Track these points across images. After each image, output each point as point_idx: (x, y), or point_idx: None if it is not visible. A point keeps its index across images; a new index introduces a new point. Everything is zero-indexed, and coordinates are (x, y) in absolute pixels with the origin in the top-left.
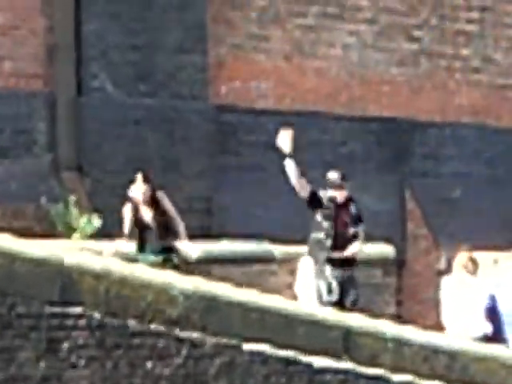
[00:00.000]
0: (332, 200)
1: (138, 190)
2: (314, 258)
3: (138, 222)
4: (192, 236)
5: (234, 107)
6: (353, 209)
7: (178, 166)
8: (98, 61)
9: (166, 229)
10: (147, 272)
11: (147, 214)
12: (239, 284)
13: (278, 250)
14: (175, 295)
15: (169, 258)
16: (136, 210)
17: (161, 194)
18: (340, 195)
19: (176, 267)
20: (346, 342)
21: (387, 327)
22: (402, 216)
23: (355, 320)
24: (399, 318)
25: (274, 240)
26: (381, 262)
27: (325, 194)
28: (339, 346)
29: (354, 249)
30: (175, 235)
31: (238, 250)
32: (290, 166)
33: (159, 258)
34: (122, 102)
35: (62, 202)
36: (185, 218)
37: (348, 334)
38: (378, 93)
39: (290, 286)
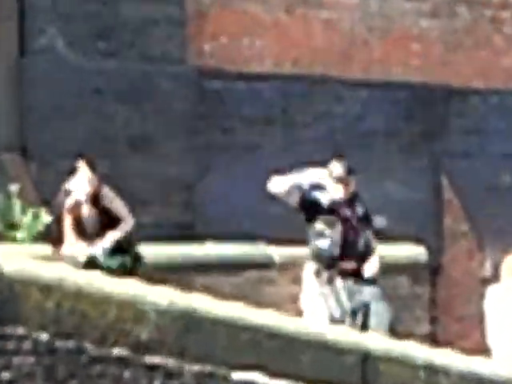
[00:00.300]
0: (334, 201)
1: (83, 180)
2: (317, 274)
3: (79, 222)
4: (168, 237)
5: (221, 71)
6: (359, 208)
7: (149, 147)
8: (45, 12)
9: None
10: (109, 282)
11: (91, 212)
12: (228, 297)
13: (278, 253)
14: (145, 311)
15: (123, 262)
16: (76, 208)
17: (105, 189)
18: (344, 193)
19: (130, 273)
20: (365, 370)
21: (417, 351)
22: (436, 209)
23: (376, 342)
24: (433, 339)
25: (274, 241)
26: (409, 268)
27: (323, 195)
28: (356, 376)
29: (374, 267)
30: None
31: (227, 254)
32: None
33: (113, 263)
34: (77, 66)
35: (0, 194)
36: (159, 212)
37: (367, 359)
38: (405, 52)
39: (293, 299)
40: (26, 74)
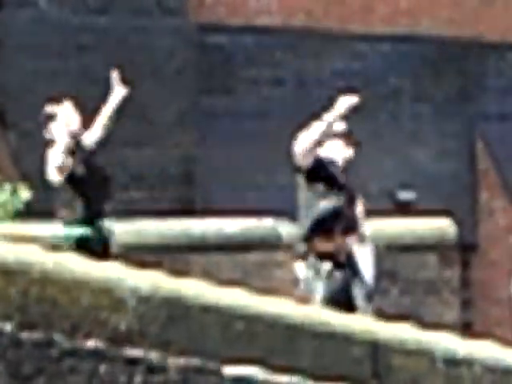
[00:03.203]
0: (333, 162)
1: (67, 122)
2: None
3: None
4: (163, 211)
5: (225, 26)
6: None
7: (143, 112)
8: None
9: (103, 187)
10: (82, 264)
11: (79, 163)
12: (228, 280)
13: (287, 230)
14: (124, 298)
15: (99, 232)
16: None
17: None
18: (345, 154)
19: (104, 251)
20: (375, 363)
21: (437, 340)
22: (470, 180)
23: (389, 331)
24: (465, 327)
25: (281, 216)
26: (436, 246)
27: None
28: (365, 369)
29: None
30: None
31: (230, 232)
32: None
33: (85, 233)
34: (61, 22)
35: None
36: (155, 185)
37: (377, 350)
38: (433, 2)
39: None
40: (2, 30)
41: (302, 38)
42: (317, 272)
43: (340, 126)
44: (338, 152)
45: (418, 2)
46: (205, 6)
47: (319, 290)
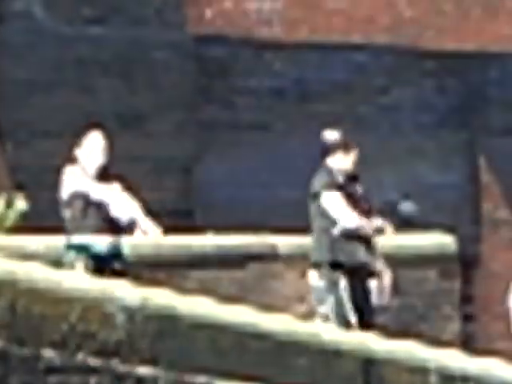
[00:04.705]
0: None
1: (97, 150)
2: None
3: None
4: (163, 226)
5: (224, 38)
6: (359, 188)
7: (142, 124)
8: None
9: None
10: (72, 278)
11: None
12: (225, 294)
13: (285, 243)
14: (113, 313)
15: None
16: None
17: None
18: (351, 163)
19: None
20: (367, 377)
21: (428, 353)
22: (473, 193)
23: (381, 344)
24: (467, 342)
25: (279, 230)
26: (437, 260)
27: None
28: (357, 383)
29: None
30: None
31: (227, 245)
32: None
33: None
34: (58, 33)
35: None
36: (153, 198)
37: (370, 364)
38: (436, 14)
39: (300, 296)
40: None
41: (303, 51)
42: (332, 284)
43: (332, 136)
44: (340, 163)
45: (420, 13)
46: (204, 18)
47: (329, 302)
